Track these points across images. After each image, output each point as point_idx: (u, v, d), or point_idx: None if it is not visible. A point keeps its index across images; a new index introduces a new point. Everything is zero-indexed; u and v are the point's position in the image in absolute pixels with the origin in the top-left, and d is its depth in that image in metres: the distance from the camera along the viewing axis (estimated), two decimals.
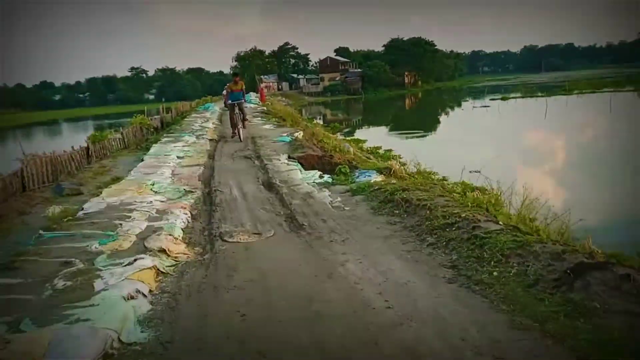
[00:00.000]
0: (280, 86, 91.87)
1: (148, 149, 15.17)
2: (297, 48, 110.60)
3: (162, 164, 11.48)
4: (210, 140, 16.75)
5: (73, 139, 21.97)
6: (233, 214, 7.28)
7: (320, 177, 10.30)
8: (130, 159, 13.76)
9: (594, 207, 11.10)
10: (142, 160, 12.42)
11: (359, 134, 35.27)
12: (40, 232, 5.98)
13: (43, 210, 7.63)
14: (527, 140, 27.04)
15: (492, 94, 61.83)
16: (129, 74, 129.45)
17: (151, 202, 7.38)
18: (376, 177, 9.28)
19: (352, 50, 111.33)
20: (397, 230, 5.91)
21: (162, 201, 7.55)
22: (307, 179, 9.91)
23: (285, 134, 16.99)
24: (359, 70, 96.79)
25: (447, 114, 52.96)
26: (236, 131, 16.26)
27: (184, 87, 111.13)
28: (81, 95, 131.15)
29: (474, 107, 48.62)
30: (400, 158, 20.96)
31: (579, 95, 49.49)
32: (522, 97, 54.69)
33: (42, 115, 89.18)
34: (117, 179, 10.05)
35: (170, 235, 5.67)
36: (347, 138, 26.07)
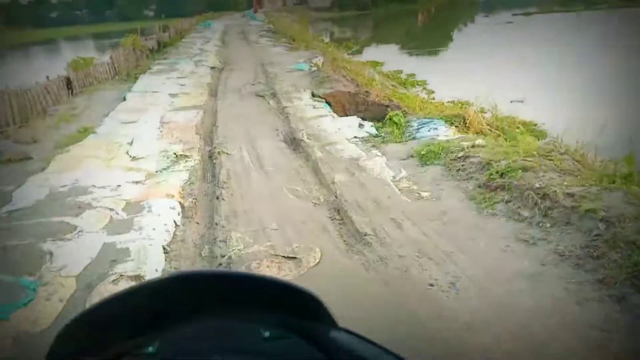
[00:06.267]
0: (284, 0, 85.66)
1: (137, 79, 12.36)
2: None
3: (148, 105, 8.71)
4: (211, 68, 13.81)
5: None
6: (247, 204, 4.67)
7: (360, 126, 7.58)
8: (112, 95, 10.94)
9: None
10: (124, 99, 9.63)
11: (369, 52, 31.83)
12: None
13: None
14: (562, 62, 23.63)
15: (513, 9, 57.34)
16: None
17: (119, 185, 4.73)
18: (445, 131, 6.55)
19: None
20: (546, 259, 3.30)
21: (138, 182, 4.91)
22: (345, 130, 7.19)
23: (301, 60, 14.00)
24: None
25: (467, 31, 48.69)
26: None
27: (185, 3, 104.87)
28: (78, 12, 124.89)
29: (497, 23, 44.58)
30: (426, 84, 18.15)
31: (609, 12, 45.00)
32: (546, 12, 49.98)
33: (39, 34, 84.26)
34: (84, 131, 7.36)
35: (139, 272, 3.10)
36: (364, 61, 22.96)
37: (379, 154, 5.99)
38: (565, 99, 16.51)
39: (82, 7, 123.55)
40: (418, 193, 4.67)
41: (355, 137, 6.93)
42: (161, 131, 7.20)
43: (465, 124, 6.77)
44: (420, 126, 6.89)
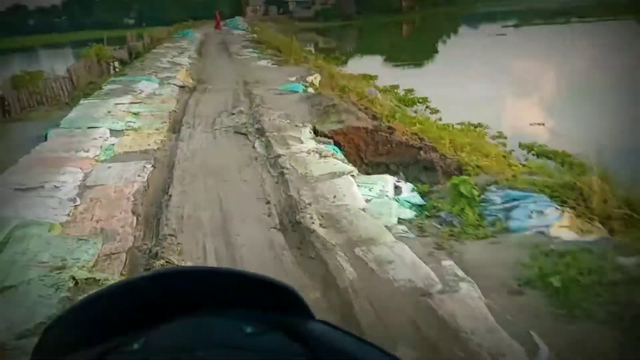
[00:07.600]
0: (267, 10, 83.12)
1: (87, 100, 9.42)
2: None
3: (73, 152, 5.81)
4: (180, 87, 10.92)
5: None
6: None
7: (397, 191, 4.78)
8: (39, 128, 7.98)
9: None
10: (45, 138, 6.70)
11: (357, 64, 29.44)
12: None
13: None
14: (569, 76, 21.22)
15: (502, 21, 56.18)
16: None
17: None
18: (557, 216, 3.79)
19: None
20: None
21: None
22: (378, 205, 4.37)
23: (293, 78, 11.24)
24: None
25: (458, 43, 46.69)
26: None
27: (166, 11, 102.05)
28: (57, 20, 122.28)
29: (488, 34, 42.74)
30: (428, 102, 15.64)
31: (594, 23, 43.52)
32: (537, 24, 48.44)
33: (16, 41, 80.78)
34: None
35: None
36: (356, 74, 20.41)
37: (461, 273, 3.18)
38: (587, 119, 14.03)
39: (60, 14, 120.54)
40: None
41: (400, 220, 4.12)
42: (75, 208, 4.30)
43: (584, 201, 4.02)
44: (507, 202, 4.11)
